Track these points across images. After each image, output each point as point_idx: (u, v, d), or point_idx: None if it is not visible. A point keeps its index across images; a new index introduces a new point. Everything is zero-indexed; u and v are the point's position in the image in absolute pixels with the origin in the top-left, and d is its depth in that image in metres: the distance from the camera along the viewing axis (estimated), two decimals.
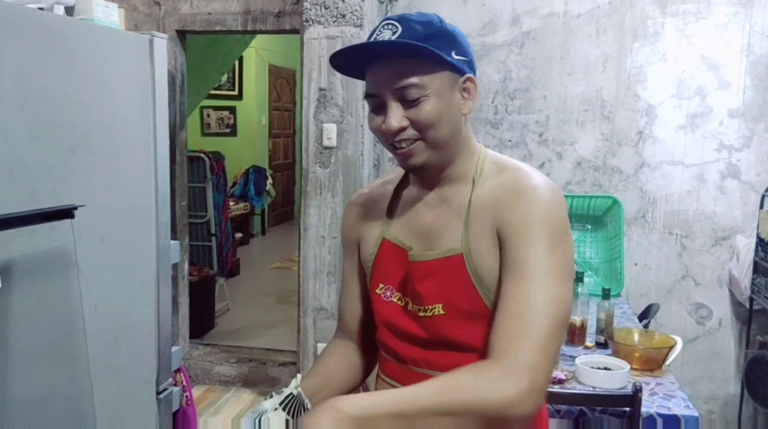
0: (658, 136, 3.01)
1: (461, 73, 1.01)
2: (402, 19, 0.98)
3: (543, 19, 3.04)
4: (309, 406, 1.08)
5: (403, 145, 1.00)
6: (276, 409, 1.05)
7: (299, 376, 1.13)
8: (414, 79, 0.96)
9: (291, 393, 1.08)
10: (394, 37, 0.96)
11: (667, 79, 2.98)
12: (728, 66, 2.93)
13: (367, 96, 1.02)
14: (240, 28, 3.41)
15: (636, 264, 3.07)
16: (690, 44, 2.94)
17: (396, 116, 0.98)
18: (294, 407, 1.06)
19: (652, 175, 3.03)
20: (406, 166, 1.05)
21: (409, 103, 0.98)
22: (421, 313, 1.06)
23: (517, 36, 3.07)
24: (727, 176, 2.97)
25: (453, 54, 0.99)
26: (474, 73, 1.04)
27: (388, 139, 1.01)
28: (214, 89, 6.91)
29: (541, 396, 0.87)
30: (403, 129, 0.99)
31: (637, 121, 3.02)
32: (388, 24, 0.98)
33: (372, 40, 0.99)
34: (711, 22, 2.92)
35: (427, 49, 0.95)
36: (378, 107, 1.01)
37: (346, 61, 1.02)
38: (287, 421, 1.04)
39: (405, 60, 0.96)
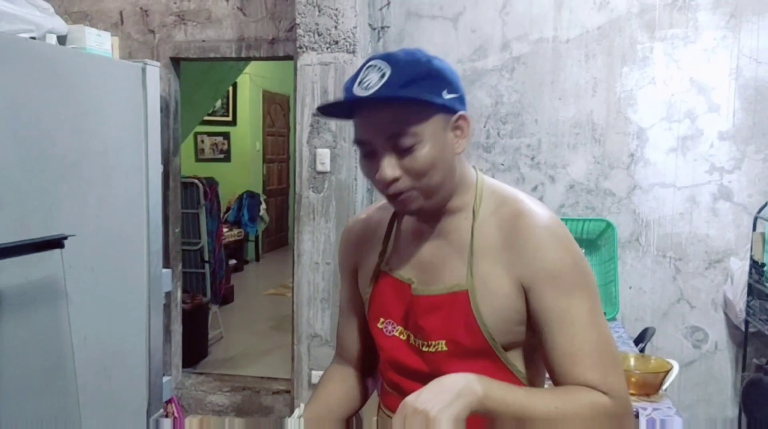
0: (650, 159, 3.02)
1: (453, 111, 0.98)
2: (389, 60, 0.94)
3: (533, 45, 3.07)
4: None
5: (396, 192, 0.97)
6: None
7: (302, 405, 1.15)
8: (407, 128, 0.93)
9: None
10: (382, 81, 0.92)
11: (656, 102, 3.00)
12: (717, 89, 2.96)
13: (357, 143, 0.98)
14: (234, 55, 3.43)
15: (630, 287, 3.06)
16: (679, 68, 2.98)
17: (390, 166, 0.95)
18: None
19: (644, 197, 3.04)
20: (401, 213, 1.04)
21: (402, 151, 0.94)
22: (424, 348, 1.04)
23: (508, 61, 3.10)
24: (719, 198, 2.98)
25: (444, 94, 0.95)
26: (465, 108, 1.01)
27: (381, 187, 0.98)
28: (208, 115, 6.94)
29: None
30: (397, 179, 0.95)
31: (628, 143, 3.03)
32: (373, 65, 0.95)
33: (358, 81, 0.95)
34: (699, 46, 2.96)
35: (420, 99, 0.92)
36: (369, 153, 0.97)
37: (333, 107, 1.00)
38: None
39: (396, 108, 0.93)
